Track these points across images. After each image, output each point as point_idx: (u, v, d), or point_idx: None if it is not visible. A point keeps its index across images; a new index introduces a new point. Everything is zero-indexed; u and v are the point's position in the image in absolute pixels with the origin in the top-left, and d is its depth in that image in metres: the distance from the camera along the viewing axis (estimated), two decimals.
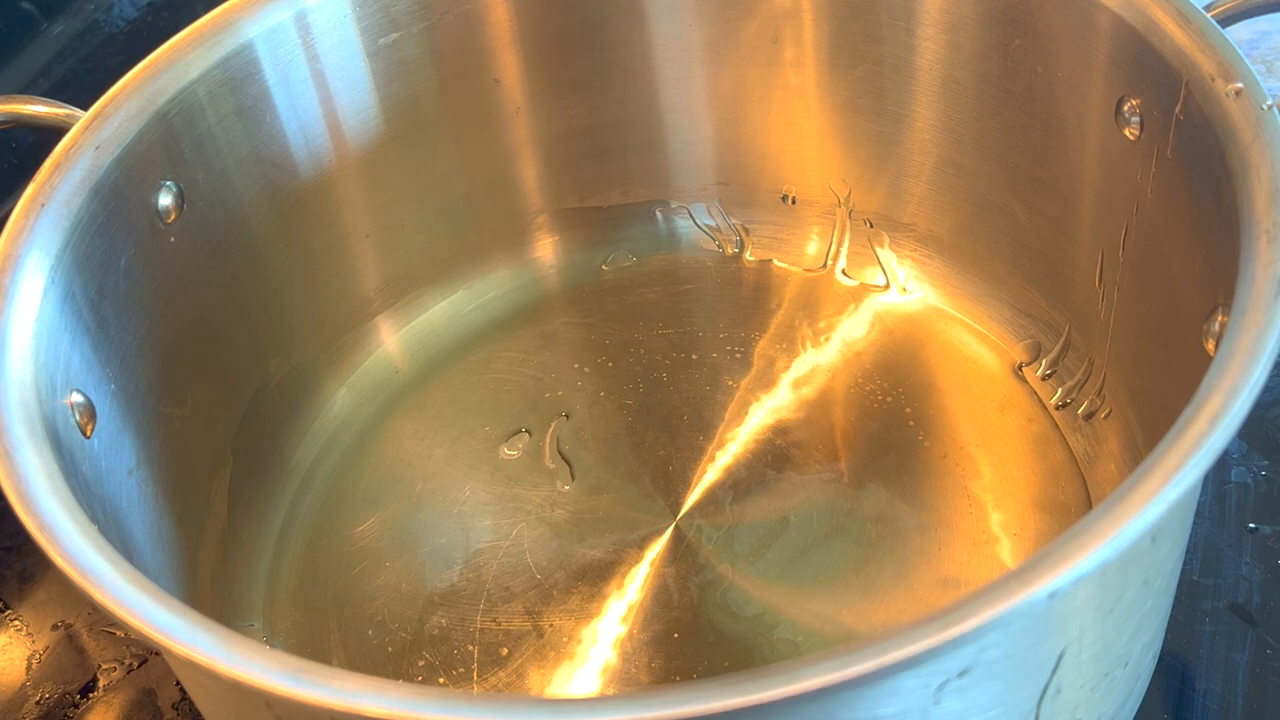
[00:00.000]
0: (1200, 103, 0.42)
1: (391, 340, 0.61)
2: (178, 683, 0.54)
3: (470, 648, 0.51)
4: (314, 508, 0.56)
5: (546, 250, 0.64)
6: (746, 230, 0.64)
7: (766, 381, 0.58)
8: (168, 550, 0.49)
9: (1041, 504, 0.52)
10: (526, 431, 0.57)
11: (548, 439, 0.57)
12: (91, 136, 0.47)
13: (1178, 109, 0.44)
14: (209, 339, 0.53)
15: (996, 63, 0.53)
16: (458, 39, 0.57)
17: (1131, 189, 0.48)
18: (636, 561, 0.52)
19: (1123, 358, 0.52)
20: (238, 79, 0.52)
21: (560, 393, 0.59)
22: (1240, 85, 0.41)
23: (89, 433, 0.43)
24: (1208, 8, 0.45)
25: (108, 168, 0.47)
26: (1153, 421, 0.49)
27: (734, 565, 0.52)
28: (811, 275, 0.62)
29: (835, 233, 0.62)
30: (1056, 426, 0.54)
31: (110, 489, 0.44)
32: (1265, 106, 0.40)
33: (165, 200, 0.50)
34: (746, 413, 0.57)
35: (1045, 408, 0.55)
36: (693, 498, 0.54)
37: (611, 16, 0.59)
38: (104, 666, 0.55)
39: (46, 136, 0.48)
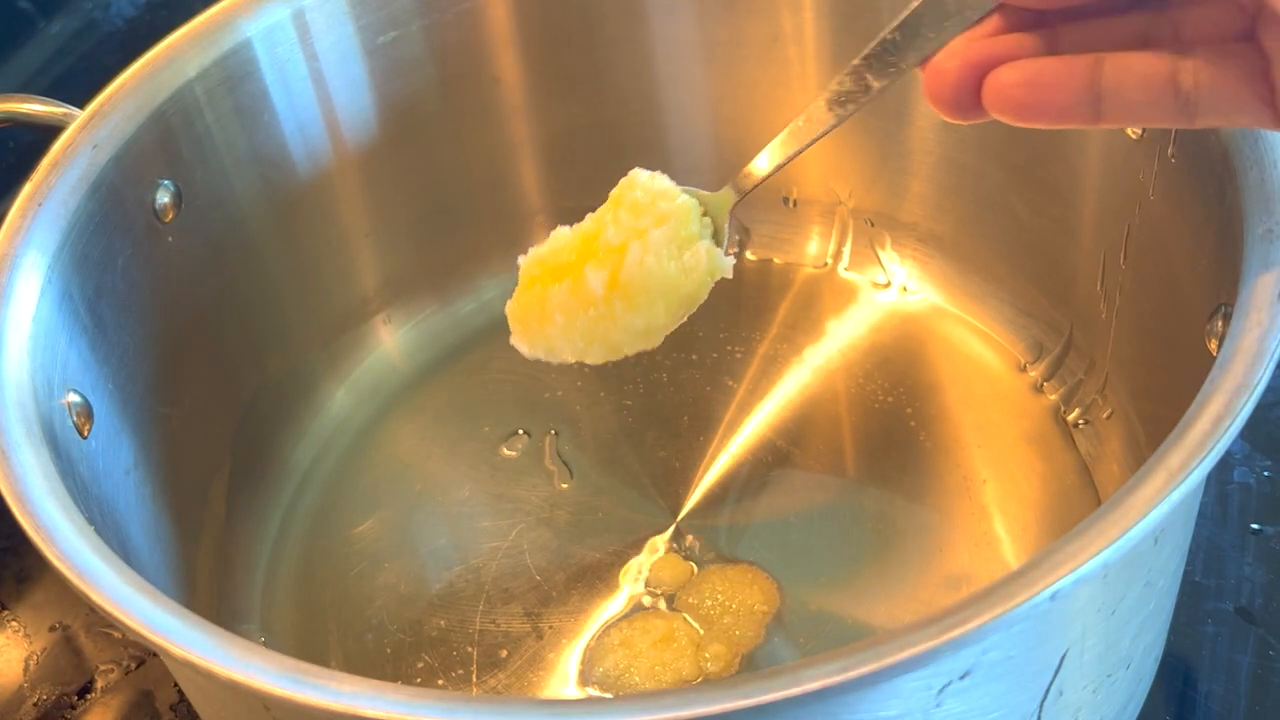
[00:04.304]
0: None
1: (390, 340, 0.61)
2: (175, 684, 0.53)
3: (469, 649, 0.50)
4: (312, 508, 0.56)
5: None
6: (747, 230, 0.64)
7: (767, 381, 0.58)
8: (165, 551, 0.49)
9: (1043, 504, 0.52)
10: (526, 432, 0.57)
11: (547, 440, 0.57)
12: (89, 135, 0.47)
13: None
14: (207, 339, 0.53)
15: None
16: (457, 37, 0.57)
17: (1133, 188, 0.48)
18: (636, 563, 0.52)
19: (1125, 358, 0.52)
20: (236, 77, 0.51)
21: (560, 393, 0.59)
22: None
23: (86, 433, 0.43)
24: None
25: (105, 167, 0.47)
26: (1155, 422, 0.49)
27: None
28: (812, 274, 0.62)
29: (836, 232, 0.62)
30: (1058, 426, 0.54)
31: (107, 489, 0.44)
32: None
33: (163, 199, 0.50)
34: (747, 413, 0.57)
35: (1047, 408, 0.55)
36: (693, 499, 0.54)
37: (611, 15, 0.59)
38: (102, 668, 0.55)
39: (44, 135, 0.48)
